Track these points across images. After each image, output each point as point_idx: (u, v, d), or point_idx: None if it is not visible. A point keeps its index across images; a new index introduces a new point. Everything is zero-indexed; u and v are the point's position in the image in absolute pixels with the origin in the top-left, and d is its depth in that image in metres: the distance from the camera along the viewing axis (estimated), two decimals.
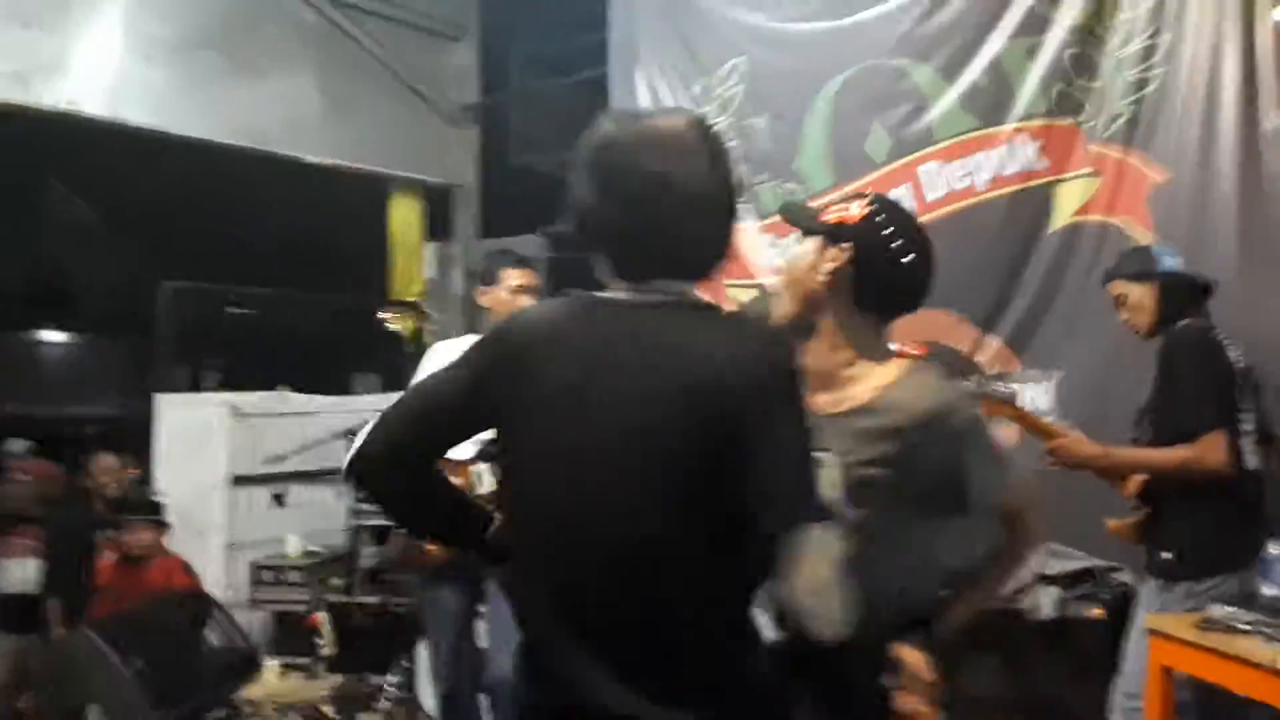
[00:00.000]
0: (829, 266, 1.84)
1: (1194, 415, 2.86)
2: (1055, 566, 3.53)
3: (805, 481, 1.40)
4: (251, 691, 4.83)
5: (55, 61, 5.19)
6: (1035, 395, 4.00)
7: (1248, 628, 2.52)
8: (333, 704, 4.75)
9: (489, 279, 3.59)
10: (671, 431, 1.40)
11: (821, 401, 1.78)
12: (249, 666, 4.81)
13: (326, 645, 5.25)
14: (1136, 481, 3.04)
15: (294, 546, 5.61)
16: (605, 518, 1.43)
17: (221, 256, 8.26)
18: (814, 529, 1.35)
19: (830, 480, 1.61)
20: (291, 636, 5.42)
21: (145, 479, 5.71)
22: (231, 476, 5.73)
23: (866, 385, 1.81)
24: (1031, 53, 4.13)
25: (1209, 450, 2.82)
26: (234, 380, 6.41)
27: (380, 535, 5.25)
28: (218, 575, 5.50)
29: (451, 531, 1.79)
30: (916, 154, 4.39)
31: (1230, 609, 2.60)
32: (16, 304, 9.40)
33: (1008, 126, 4.18)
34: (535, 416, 1.49)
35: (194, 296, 7.24)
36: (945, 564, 1.80)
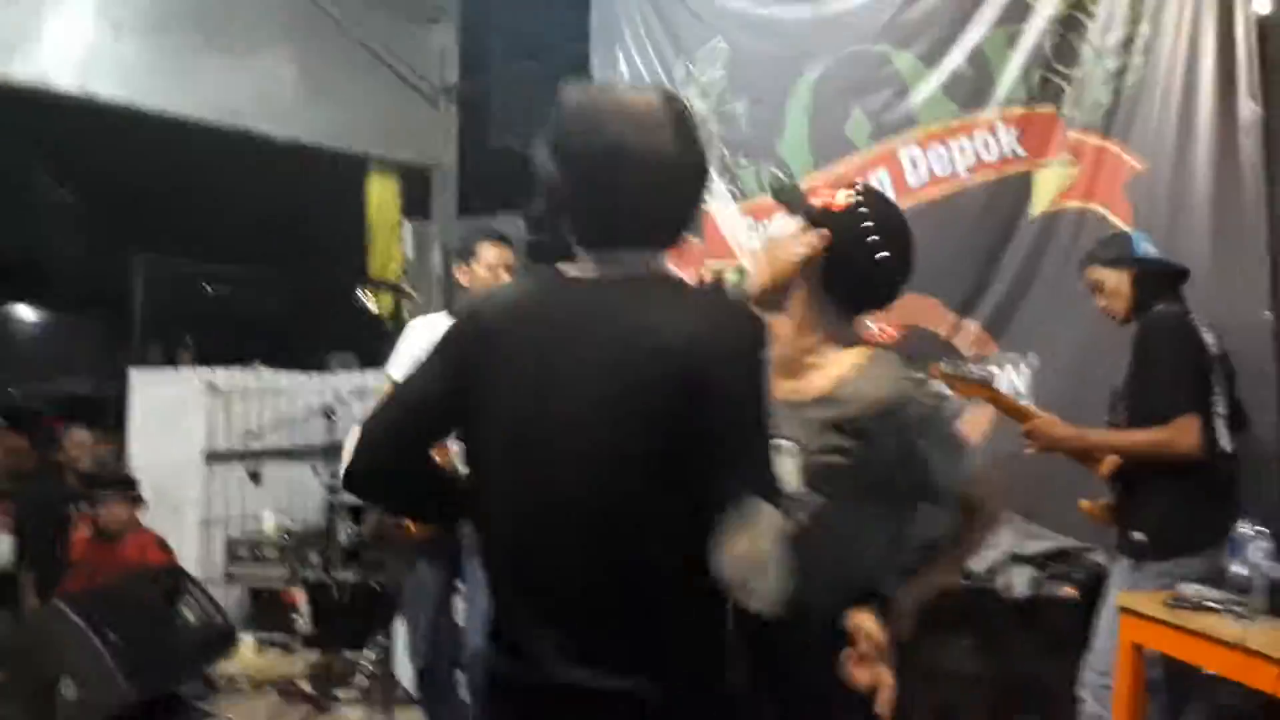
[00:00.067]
0: (804, 250, 1.85)
1: (1167, 399, 2.91)
2: (1029, 546, 3.58)
3: (757, 455, 1.41)
4: (227, 667, 4.82)
5: (25, 35, 5.09)
6: (1012, 378, 4.06)
7: (1217, 606, 2.57)
8: (309, 680, 4.74)
9: (466, 256, 3.58)
10: (636, 405, 1.41)
11: (784, 389, 1.80)
12: (224, 642, 4.80)
13: (303, 622, 5.24)
14: (1111, 463, 3.09)
15: (270, 523, 5.59)
16: (571, 491, 1.44)
17: (197, 234, 8.18)
18: (758, 502, 1.35)
19: (790, 469, 1.64)
20: (267, 613, 5.41)
21: (120, 454, 5.68)
22: (207, 452, 5.71)
23: (827, 374, 1.83)
24: (1013, 40, 4.16)
25: (1181, 433, 2.87)
26: (209, 357, 6.37)
27: (357, 513, 5.25)
28: (193, 551, 5.49)
29: (453, 515, 1.82)
30: (897, 139, 4.41)
31: (1200, 587, 2.65)
32: None
33: (988, 113, 4.22)
34: (504, 394, 1.50)
35: (168, 273, 7.19)
36: (900, 549, 1.82)
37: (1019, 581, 3.47)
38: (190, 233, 8.19)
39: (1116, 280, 3.14)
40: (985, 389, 3.10)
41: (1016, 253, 4.14)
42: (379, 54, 6.67)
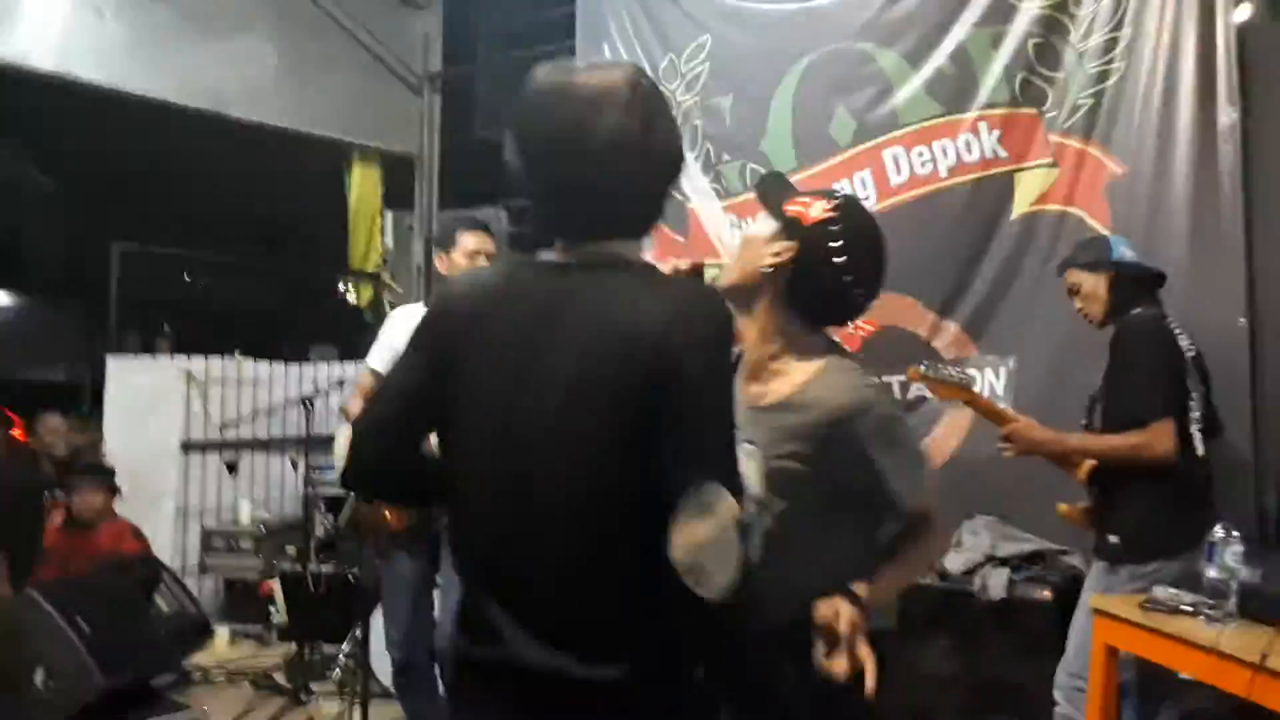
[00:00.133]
0: (772, 258, 1.84)
1: (1143, 403, 2.92)
2: (1006, 549, 3.60)
3: (721, 443, 1.40)
4: (202, 658, 4.80)
5: (4, 13, 5.04)
6: (991, 381, 4.08)
7: (1190, 609, 2.59)
8: (284, 672, 4.72)
9: (445, 244, 3.57)
10: (606, 390, 1.40)
11: (748, 393, 1.80)
12: (199, 633, 4.77)
13: (279, 614, 5.22)
14: (1088, 467, 3.11)
15: (246, 514, 5.56)
16: (540, 475, 1.44)
17: (175, 220, 8.13)
18: (718, 488, 1.34)
19: (752, 471, 1.63)
20: (243, 604, 5.39)
21: (96, 442, 5.63)
22: (184, 442, 5.67)
23: (789, 380, 1.83)
24: (996, 41, 4.18)
25: (1157, 437, 2.88)
26: (187, 345, 6.32)
27: (334, 505, 5.22)
28: (168, 541, 5.46)
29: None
30: (881, 139, 4.42)
31: (1174, 591, 2.67)
32: None
33: (971, 114, 4.24)
34: (475, 379, 1.50)
35: (146, 260, 7.12)
36: (863, 556, 1.80)
37: (995, 583, 3.49)
38: (169, 219, 8.13)
39: (1093, 283, 3.15)
40: (963, 391, 3.11)
41: (997, 254, 4.16)
42: (362, 40, 6.63)
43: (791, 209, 1.87)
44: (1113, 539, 3.00)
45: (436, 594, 3.65)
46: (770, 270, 1.84)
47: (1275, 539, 3.47)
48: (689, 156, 4.91)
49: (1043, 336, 3.97)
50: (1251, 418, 3.53)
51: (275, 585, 5.25)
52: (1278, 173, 3.62)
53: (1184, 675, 2.73)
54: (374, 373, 3.50)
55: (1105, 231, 3.72)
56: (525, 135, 1.50)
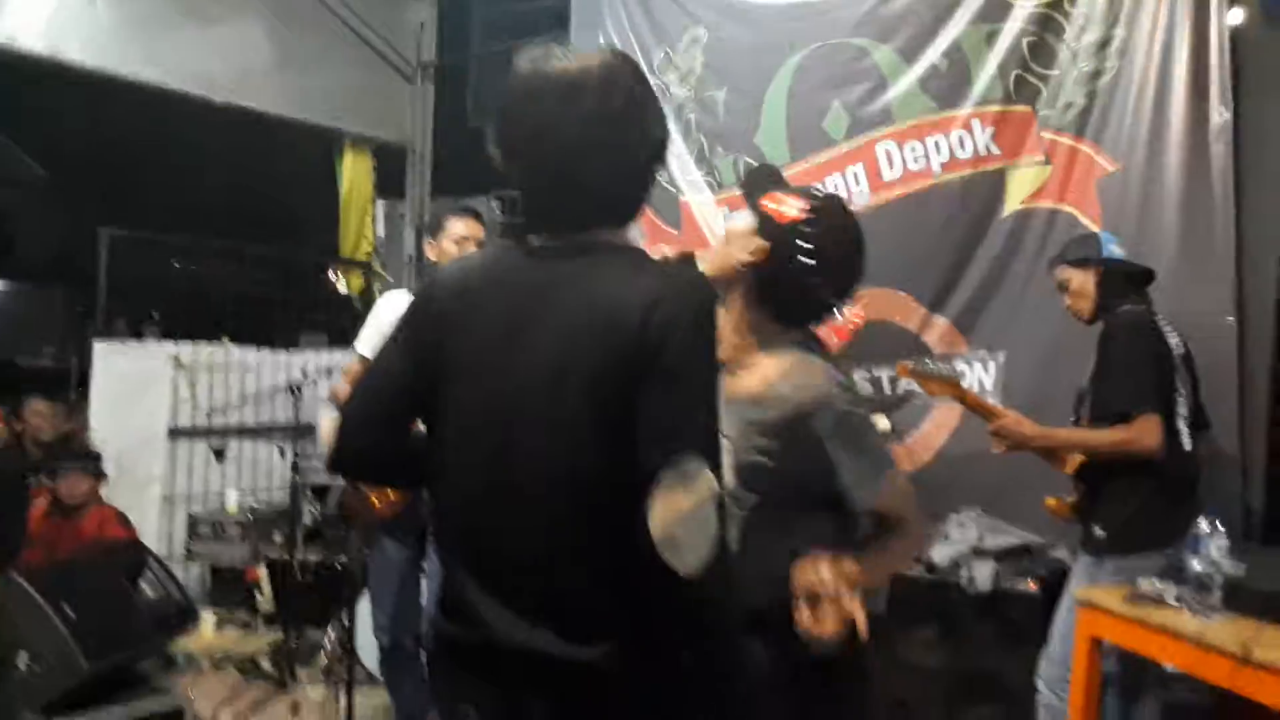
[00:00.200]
0: (745, 256, 1.84)
1: (1130, 398, 2.94)
2: (993, 541, 3.62)
3: (698, 421, 1.40)
4: (187, 645, 4.78)
5: None
6: (981, 376, 4.10)
7: (1174, 601, 2.61)
8: (270, 659, 4.71)
9: (435, 231, 3.58)
10: (586, 369, 1.41)
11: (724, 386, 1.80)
12: (185, 619, 4.76)
13: (265, 600, 5.21)
14: (1075, 461, 3.12)
15: (233, 500, 5.55)
16: (524, 456, 1.44)
17: (165, 206, 8.09)
18: (695, 460, 1.34)
19: (725, 463, 1.64)
20: (229, 590, 5.37)
21: (82, 427, 5.61)
22: (171, 428, 5.65)
23: (759, 374, 1.83)
24: (991, 38, 4.19)
25: (1143, 432, 2.90)
26: (175, 331, 6.29)
27: (321, 492, 5.21)
28: (154, 527, 5.44)
29: None
30: (874, 134, 4.43)
31: (1158, 583, 2.69)
32: None
33: (964, 110, 4.25)
34: (459, 361, 1.51)
35: (135, 246, 7.09)
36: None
37: (981, 575, 3.51)
38: (159, 205, 8.09)
39: (1082, 280, 3.17)
40: (952, 387, 3.13)
41: (988, 251, 4.18)
42: (355, 28, 6.61)
43: (768, 207, 1.86)
44: (1098, 532, 3.02)
45: (424, 580, 3.66)
46: (744, 267, 1.84)
47: (1260, 534, 3.50)
48: (683, 150, 4.92)
49: (1033, 332, 3.99)
50: (1238, 414, 3.56)
51: (261, 572, 5.25)
52: (1268, 173, 3.65)
53: (1168, 666, 2.76)
54: (363, 359, 3.50)
55: (1096, 229, 3.74)
56: (502, 128, 1.50)
